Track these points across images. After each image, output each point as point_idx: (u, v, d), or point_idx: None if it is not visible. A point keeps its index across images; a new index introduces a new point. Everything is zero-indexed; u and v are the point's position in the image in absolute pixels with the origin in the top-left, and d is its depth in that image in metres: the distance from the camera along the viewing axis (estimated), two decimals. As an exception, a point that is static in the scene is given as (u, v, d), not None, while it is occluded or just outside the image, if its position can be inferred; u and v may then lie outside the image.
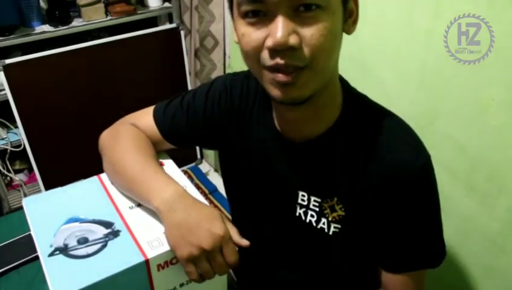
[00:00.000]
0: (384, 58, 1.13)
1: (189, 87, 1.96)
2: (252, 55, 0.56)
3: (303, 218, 0.70)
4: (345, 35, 0.60)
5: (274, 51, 0.53)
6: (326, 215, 0.67)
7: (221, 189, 2.19)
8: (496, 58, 0.88)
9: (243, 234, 0.89)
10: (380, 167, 0.62)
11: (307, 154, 0.67)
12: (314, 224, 0.69)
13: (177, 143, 0.80)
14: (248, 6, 0.53)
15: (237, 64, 1.87)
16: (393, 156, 0.62)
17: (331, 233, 0.68)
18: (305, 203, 0.69)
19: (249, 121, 0.74)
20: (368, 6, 1.12)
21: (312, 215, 0.69)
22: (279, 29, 0.51)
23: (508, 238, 0.98)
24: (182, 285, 0.55)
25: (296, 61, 0.53)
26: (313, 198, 0.68)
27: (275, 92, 0.57)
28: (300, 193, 0.69)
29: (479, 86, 0.94)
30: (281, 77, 0.54)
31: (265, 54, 0.54)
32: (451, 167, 1.05)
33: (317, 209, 0.68)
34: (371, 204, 0.64)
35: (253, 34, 0.54)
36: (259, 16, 0.53)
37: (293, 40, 0.51)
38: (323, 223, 0.68)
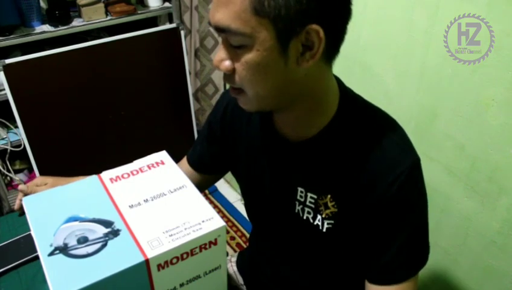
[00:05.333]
0: (384, 58, 1.13)
1: (189, 87, 1.97)
2: None
3: (301, 215, 0.72)
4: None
5: None
6: (321, 212, 0.69)
7: (221, 189, 2.19)
8: (496, 58, 0.89)
9: (256, 235, 0.90)
10: (370, 166, 0.64)
11: (301, 153, 0.70)
12: (311, 220, 0.71)
13: (205, 171, 0.89)
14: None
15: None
16: (382, 155, 0.64)
17: (324, 230, 0.70)
18: (303, 199, 0.71)
19: (246, 125, 0.77)
20: (368, 6, 1.12)
21: (309, 212, 0.71)
22: (217, 54, 0.59)
23: (508, 238, 0.98)
24: (182, 285, 0.55)
25: (231, 83, 0.61)
26: (309, 194, 0.70)
27: None
28: (299, 189, 0.71)
29: (479, 86, 0.94)
30: (231, 90, 0.63)
31: None
32: (451, 167, 1.06)
33: (313, 205, 0.70)
34: (361, 202, 0.66)
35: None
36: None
37: (223, 66, 0.59)
38: (319, 220, 0.70)
